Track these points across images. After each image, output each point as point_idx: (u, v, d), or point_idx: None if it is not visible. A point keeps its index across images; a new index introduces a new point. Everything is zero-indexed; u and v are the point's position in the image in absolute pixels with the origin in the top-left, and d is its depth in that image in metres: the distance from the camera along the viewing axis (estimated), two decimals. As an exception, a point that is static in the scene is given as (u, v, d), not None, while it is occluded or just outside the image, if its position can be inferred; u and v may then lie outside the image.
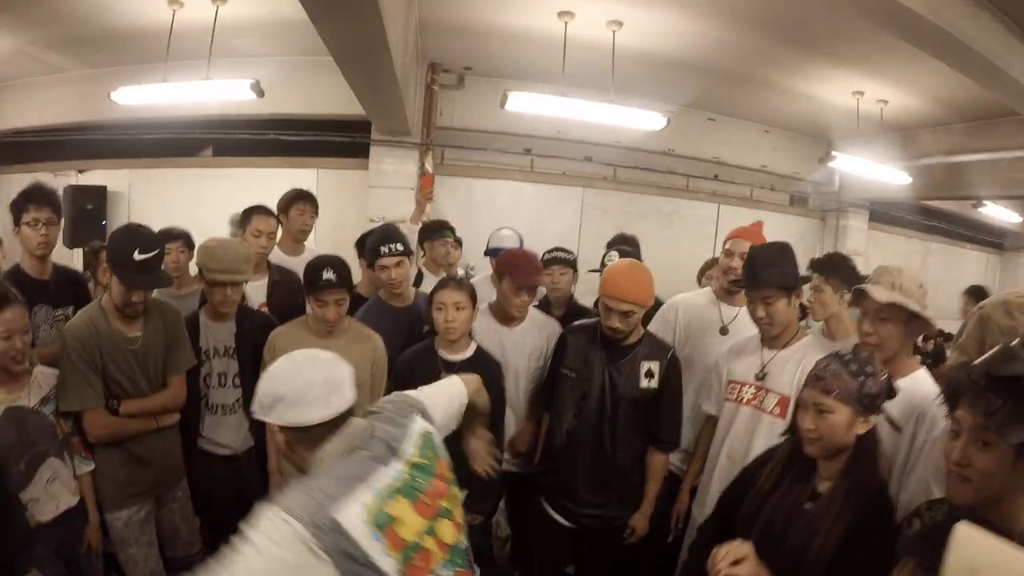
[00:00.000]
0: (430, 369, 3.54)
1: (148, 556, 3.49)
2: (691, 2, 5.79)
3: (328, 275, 3.44)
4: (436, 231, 5.40)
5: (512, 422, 3.96)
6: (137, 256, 3.12)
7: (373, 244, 3.98)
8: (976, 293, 6.31)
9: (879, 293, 2.73)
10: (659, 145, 8.71)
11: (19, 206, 3.56)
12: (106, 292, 3.40)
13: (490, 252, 4.76)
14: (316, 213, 5.08)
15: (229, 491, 3.77)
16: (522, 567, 3.99)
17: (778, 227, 9.19)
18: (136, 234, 3.24)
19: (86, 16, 6.79)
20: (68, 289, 3.82)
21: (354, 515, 1.73)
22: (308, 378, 1.90)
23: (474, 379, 2.71)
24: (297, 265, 4.28)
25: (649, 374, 3.42)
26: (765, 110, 8.95)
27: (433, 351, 3.61)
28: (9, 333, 2.86)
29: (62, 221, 3.81)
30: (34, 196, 3.56)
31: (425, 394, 2.33)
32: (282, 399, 1.86)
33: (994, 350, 1.74)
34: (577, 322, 3.82)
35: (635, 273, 3.40)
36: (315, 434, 1.89)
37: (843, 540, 2.10)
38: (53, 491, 3.07)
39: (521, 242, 4.70)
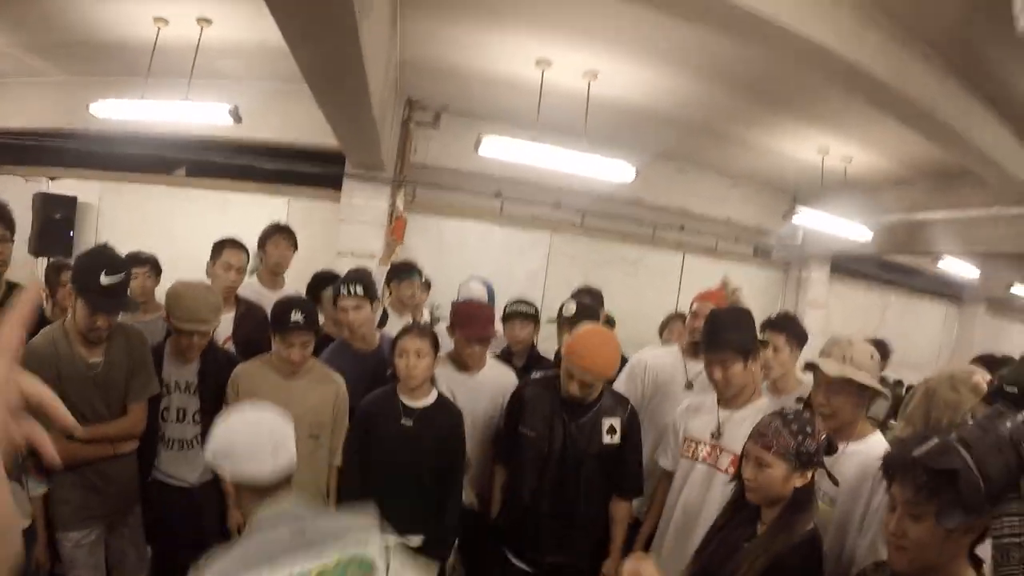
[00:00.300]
0: (391, 414, 3.58)
1: None
2: (666, 57, 5.90)
3: (296, 317, 3.47)
4: (404, 272, 5.39)
5: (471, 466, 3.99)
6: (103, 279, 3.12)
7: (335, 286, 4.03)
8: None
9: (830, 367, 2.84)
10: (628, 194, 8.77)
11: None
12: (67, 314, 3.38)
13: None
14: (294, 247, 5.09)
15: (183, 521, 3.73)
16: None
17: (741, 278, 9.22)
18: (103, 256, 3.25)
19: (72, 24, 6.74)
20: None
21: None
22: (256, 435, 1.90)
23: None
24: (273, 300, 4.30)
25: (611, 430, 3.49)
26: (733, 163, 9.12)
27: (395, 396, 3.62)
28: None
29: (15, 237, 3.73)
30: None
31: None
32: (220, 449, 1.86)
33: (931, 443, 1.85)
34: (534, 375, 3.88)
35: (604, 347, 3.44)
36: (261, 492, 1.89)
37: (763, 572, 2.27)
38: None
39: (491, 292, 4.75)
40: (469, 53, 6.46)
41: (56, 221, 8.43)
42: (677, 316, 5.59)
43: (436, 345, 3.62)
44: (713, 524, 2.73)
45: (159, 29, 6.45)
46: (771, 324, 3.69)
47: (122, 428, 3.47)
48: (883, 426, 4.05)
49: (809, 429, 2.40)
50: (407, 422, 3.57)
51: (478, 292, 4.71)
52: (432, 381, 3.70)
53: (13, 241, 3.66)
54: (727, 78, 6.24)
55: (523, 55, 6.26)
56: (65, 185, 8.98)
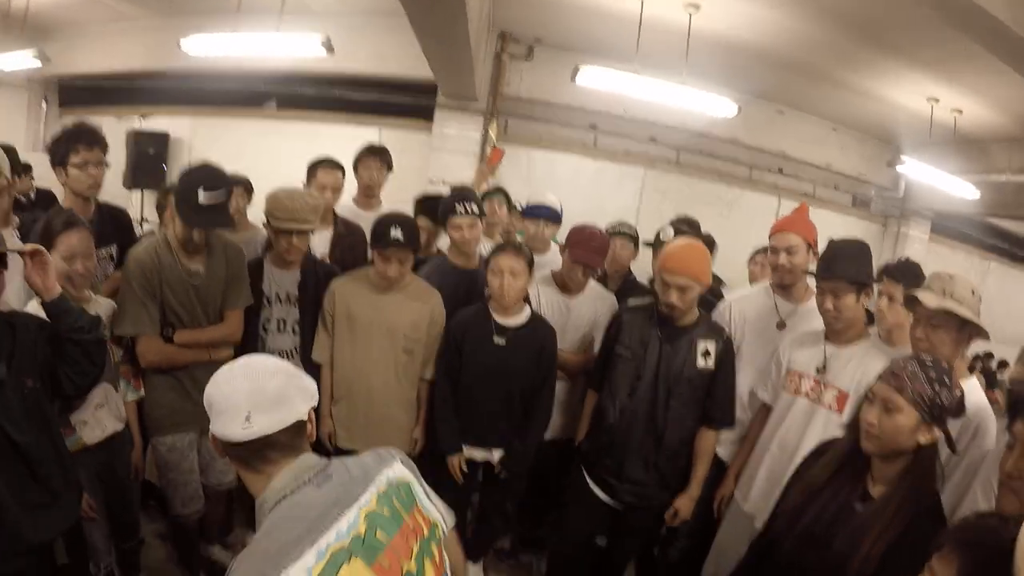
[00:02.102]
0: (484, 332, 3.61)
1: (188, 481, 3.58)
2: None
3: (395, 233, 3.47)
4: (489, 192, 5.41)
5: (562, 390, 4.02)
6: (202, 195, 3.15)
7: (448, 202, 4.00)
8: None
9: (930, 299, 2.75)
10: (725, 133, 8.59)
11: (65, 146, 3.52)
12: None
13: (526, 212, 4.73)
14: (388, 167, 5.11)
15: None
16: (555, 534, 3.97)
17: (838, 228, 9.00)
18: (204, 173, 3.28)
19: None
20: (112, 228, 3.83)
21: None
22: (234, 388, 1.66)
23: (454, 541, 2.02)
24: (369, 220, 4.28)
25: (706, 353, 3.41)
26: (836, 107, 8.73)
27: (488, 314, 3.64)
28: (71, 255, 2.92)
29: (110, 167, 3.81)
30: (83, 137, 3.55)
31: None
32: (212, 405, 1.67)
33: None
34: (632, 301, 3.80)
35: (693, 250, 3.40)
36: (245, 456, 1.68)
37: (890, 549, 2.05)
38: (100, 416, 3.14)
39: (560, 210, 4.65)
40: (564, -19, 6.28)
41: (149, 156, 8.80)
42: (761, 250, 5.43)
43: (531, 264, 3.59)
44: (807, 471, 2.48)
45: (247, -36, 6.44)
46: (889, 272, 3.40)
47: (218, 334, 3.55)
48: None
49: (947, 380, 2.14)
50: (500, 340, 3.61)
51: (550, 200, 4.59)
52: (526, 299, 3.70)
53: (108, 165, 3.72)
54: (835, 16, 5.94)
55: (622, -17, 6.05)
56: (157, 122, 9.33)
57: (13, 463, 2.39)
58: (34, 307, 2.65)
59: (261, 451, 1.65)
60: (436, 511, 1.84)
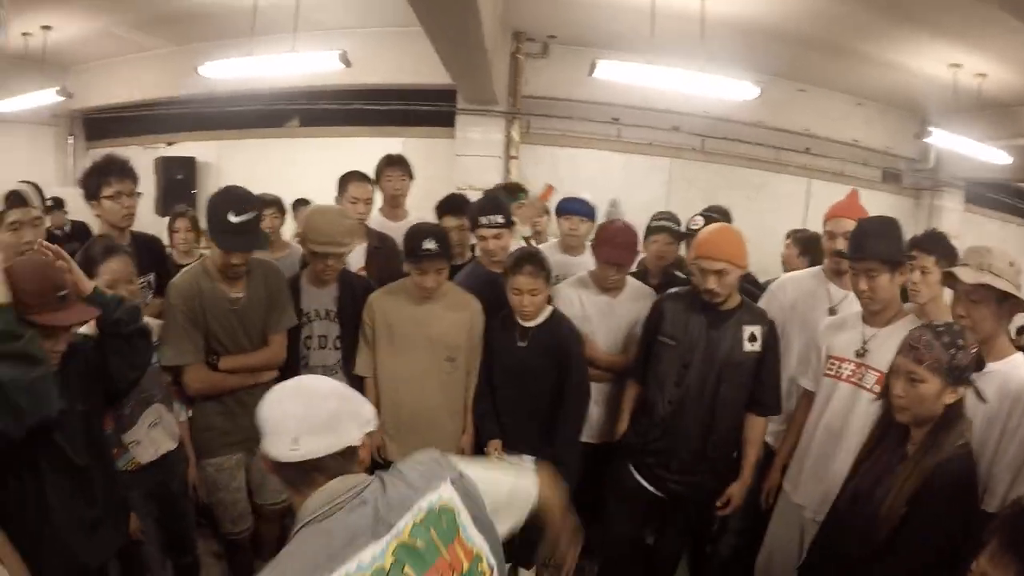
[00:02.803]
0: (509, 336, 3.66)
1: (237, 500, 3.62)
2: None
3: (429, 244, 3.46)
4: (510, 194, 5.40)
5: (602, 391, 3.98)
6: (232, 218, 3.18)
7: (474, 212, 4.02)
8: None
9: (967, 275, 2.73)
10: (748, 116, 8.54)
11: (97, 180, 3.57)
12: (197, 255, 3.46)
13: (559, 209, 4.66)
14: (409, 175, 5.08)
15: None
16: (604, 535, 3.96)
17: (870, 204, 8.77)
18: (230, 196, 3.30)
19: None
20: (147, 256, 3.86)
21: None
22: (285, 410, 1.65)
23: (548, 476, 2.10)
24: (398, 230, 4.29)
25: (752, 338, 3.38)
26: (858, 81, 8.66)
27: (511, 319, 3.67)
28: (115, 281, 2.96)
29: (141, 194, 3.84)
30: (114, 170, 3.60)
31: (479, 473, 1.87)
32: (263, 425, 1.65)
33: None
34: (672, 289, 3.77)
35: (727, 233, 3.39)
36: (292, 478, 1.65)
37: (916, 493, 2.24)
38: (154, 436, 3.18)
39: (594, 208, 4.62)
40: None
41: (178, 181, 9.08)
42: (793, 232, 5.39)
43: (549, 276, 3.60)
44: (861, 449, 2.66)
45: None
46: (918, 243, 3.35)
47: (262, 359, 3.57)
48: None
49: (961, 341, 2.29)
50: (522, 343, 3.63)
51: (583, 197, 4.55)
52: (549, 301, 3.70)
53: (140, 195, 3.77)
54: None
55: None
56: (183, 148, 9.58)
57: (71, 486, 2.45)
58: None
59: (309, 473, 1.61)
60: (481, 540, 1.71)
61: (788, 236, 5.40)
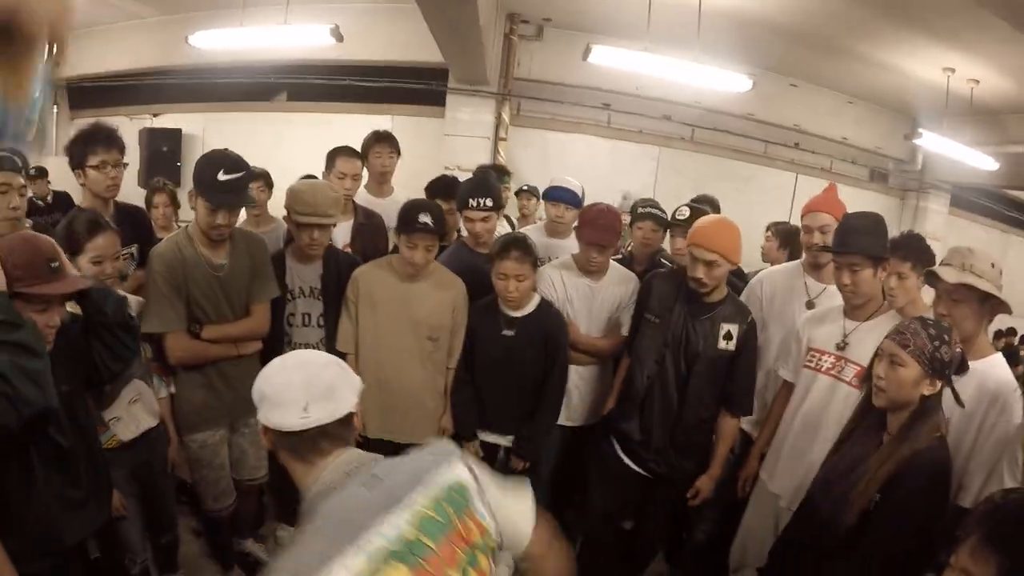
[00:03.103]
0: (494, 323, 3.65)
1: (220, 478, 3.61)
2: None
3: (424, 219, 3.45)
4: (522, 188, 5.59)
5: (582, 375, 4.00)
6: (222, 176, 3.17)
7: (463, 193, 4.00)
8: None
9: (949, 274, 2.77)
10: (740, 108, 8.56)
11: (82, 148, 3.50)
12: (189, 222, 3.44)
13: (547, 194, 4.70)
14: (397, 152, 5.05)
15: None
16: (585, 517, 3.99)
17: (857, 203, 8.80)
18: (222, 156, 3.30)
19: None
20: (131, 228, 3.82)
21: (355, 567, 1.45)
22: (289, 380, 1.72)
23: (547, 529, 1.91)
24: (384, 207, 4.35)
25: (728, 336, 3.39)
26: (850, 80, 8.68)
27: (497, 306, 3.67)
28: (101, 258, 2.94)
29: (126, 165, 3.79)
30: (101, 138, 3.53)
31: (490, 482, 1.81)
32: (265, 398, 1.72)
33: None
34: (663, 269, 3.82)
35: (725, 226, 3.36)
36: (298, 447, 1.70)
37: (890, 479, 2.31)
38: (134, 412, 3.15)
39: (582, 192, 4.63)
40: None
41: (163, 154, 8.99)
42: (783, 225, 5.39)
43: (536, 263, 3.60)
44: (839, 437, 2.71)
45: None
46: (894, 247, 3.30)
47: (245, 328, 3.54)
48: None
49: (947, 337, 2.36)
50: (508, 332, 3.63)
51: (568, 183, 4.56)
52: (534, 288, 3.69)
53: (126, 165, 3.72)
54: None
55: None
56: (169, 120, 9.48)
57: (55, 466, 2.44)
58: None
59: (315, 441, 1.68)
60: (490, 518, 1.71)
61: (768, 228, 5.41)
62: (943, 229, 10.18)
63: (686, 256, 3.52)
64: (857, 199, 9.18)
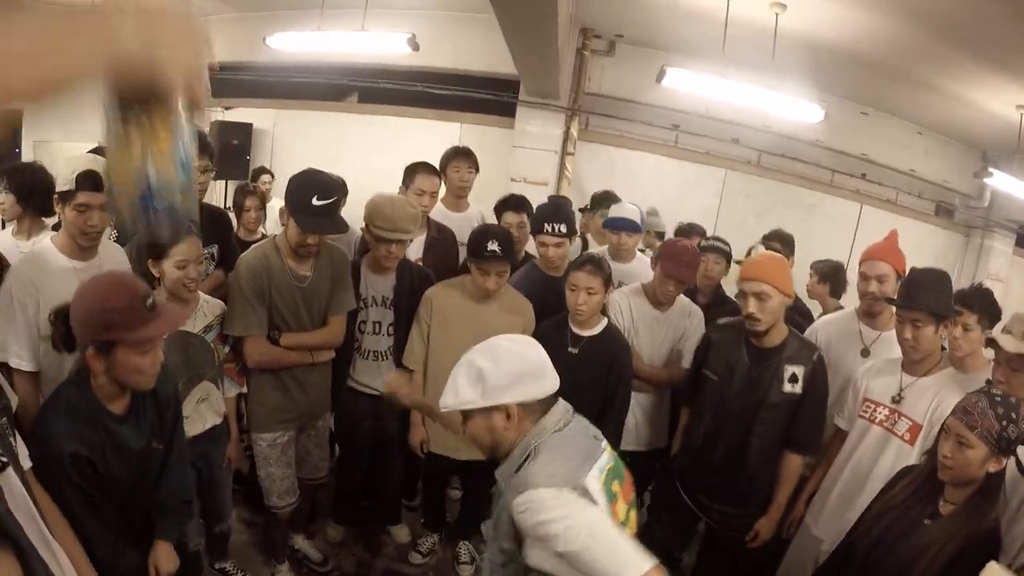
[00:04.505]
0: (560, 341, 3.66)
1: (285, 476, 3.77)
2: None
3: (493, 247, 3.56)
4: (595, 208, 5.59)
5: (640, 403, 4.06)
6: (316, 202, 3.29)
7: (539, 216, 4.11)
8: None
9: (1009, 344, 2.78)
10: (808, 135, 8.42)
11: None
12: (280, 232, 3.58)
13: (608, 223, 4.74)
14: (475, 168, 5.11)
15: (369, 428, 4.05)
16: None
17: (920, 238, 8.92)
18: (316, 181, 3.40)
19: None
20: (213, 228, 3.98)
21: (594, 486, 1.91)
22: (540, 355, 2.10)
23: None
24: (460, 221, 4.47)
25: (793, 378, 3.38)
26: (921, 111, 8.50)
27: (565, 324, 3.71)
28: (184, 263, 3.08)
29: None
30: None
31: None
32: (525, 375, 2.03)
33: None
34: (722, 320, 3.82)
35: (770, 258, 3.44)
36: (545, 406, 2.09)
37: (951, 561, 2.28)
38: (201, 410, 3.34)
39: (641, 218, 4.68)
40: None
41: (234, 146, 9.09)
42: (819, 262, 5.35)
43: (608, 282, 3.65)
44: (887, 494, 2.69)
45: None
46: (963, 298, 3.33)
47: (322, 338, 3.70)
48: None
49: (1015, 415, 2.32)
50: (573, 350, 3.66)
51: (631, 212, 4.63)
52: (603, 311, 3.75)
53: (214, 170, 3.83)
54: (923, 17, 5.79)
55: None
56: (240, 114, 9.61)
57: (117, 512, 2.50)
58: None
59: (549, 402, 2.10)
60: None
61: (812, 267, 5.40)
62: (1006, 269, 9.86)
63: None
64: (921, 233, 9.09)
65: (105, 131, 0.72)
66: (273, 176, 6.09)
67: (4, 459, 1.70)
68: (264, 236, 5.15)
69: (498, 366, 2.00)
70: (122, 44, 0.64)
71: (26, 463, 1.98)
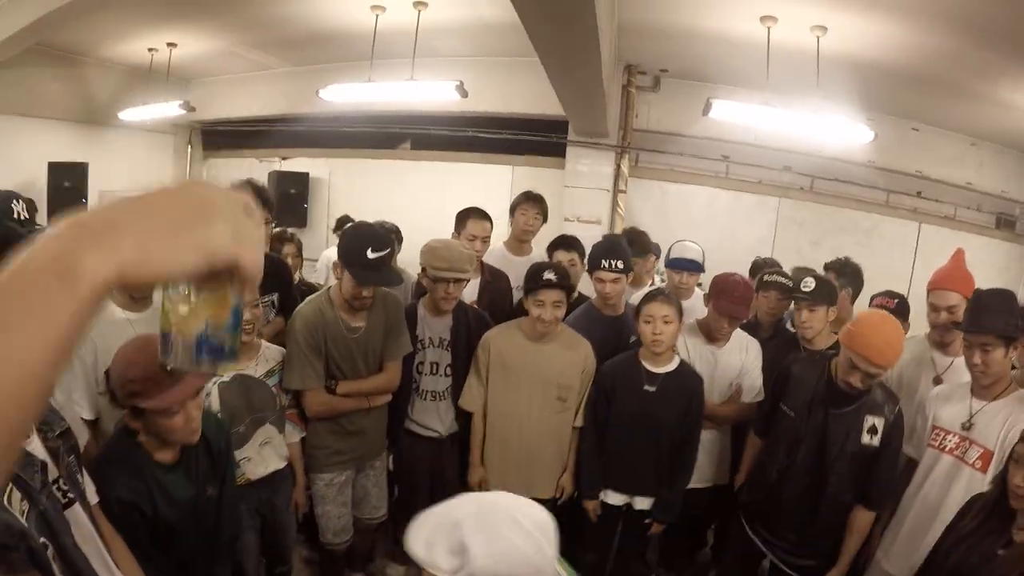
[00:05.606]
0: (634, 379, 3.69)
1: (341, 515, 3.87)
2: (898, 6, 5.52)
3: (548, 275, 3.63)
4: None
5: (711, 440, 4.09)
6: (370, 254, 3.37)
7: (596, 255, 4.12)
8: None
9: None
10: (860, 156, 8.29)
11: None
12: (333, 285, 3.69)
13: (670, 263, 4.80)
14: (543, 215, 5.20)
15: (427, 469, 4.12)
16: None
17: (982, 252, 8.64)
18: (370, 234, 3.50)
19: (290, 20, 7.41)
20: (271, 276, 4.08)
21: None
22: (544, 557, 1.59)
23: None
24: (520, 266, 4.49)
25: (872, 430, 3.26)
26: (974, 121, 8.32)
27: (637, 362, 3.72)
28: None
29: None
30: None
31: None
32: None
33: None
34: (804, 353, 3.81)
35: (894, 337, 3.19)
36: None
37: None
38: (264, 454, 3.45)
39: (702, 255, 4.71)
40: (688, 12, 6.31)
41: (291, 195, 9.51)
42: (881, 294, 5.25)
43: (681, 313, 3.68)
44: (957, 524, 2.62)
45: (377, 16, 6.88)
46: None
47: (378, 384, 3.80)
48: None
49: None
50: (650, 387, 3.68)
51: (693, 251, 4.69)
52: (675, 348, 3.77)
53: (274, 221, 3.94)
54: (966, 26, 5.70)
55: (746, 11, 6.04)
56: (296, 163, 10.02)
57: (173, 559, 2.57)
58: None
59: None
60: None
61: (872, 299, 5.33)
62: (1072, 283, 9.67)
63: (806, 327, 3.68)
64: (982, 247, 8.86)
65: (170, 303, 0.84)
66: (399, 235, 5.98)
67: (72, 495, 1.77)
68: (301, 281, 5.32)
69: (489, 551, 1.55)
70: (223, 242, 0.75)
71: (93, 498, 2.05)
